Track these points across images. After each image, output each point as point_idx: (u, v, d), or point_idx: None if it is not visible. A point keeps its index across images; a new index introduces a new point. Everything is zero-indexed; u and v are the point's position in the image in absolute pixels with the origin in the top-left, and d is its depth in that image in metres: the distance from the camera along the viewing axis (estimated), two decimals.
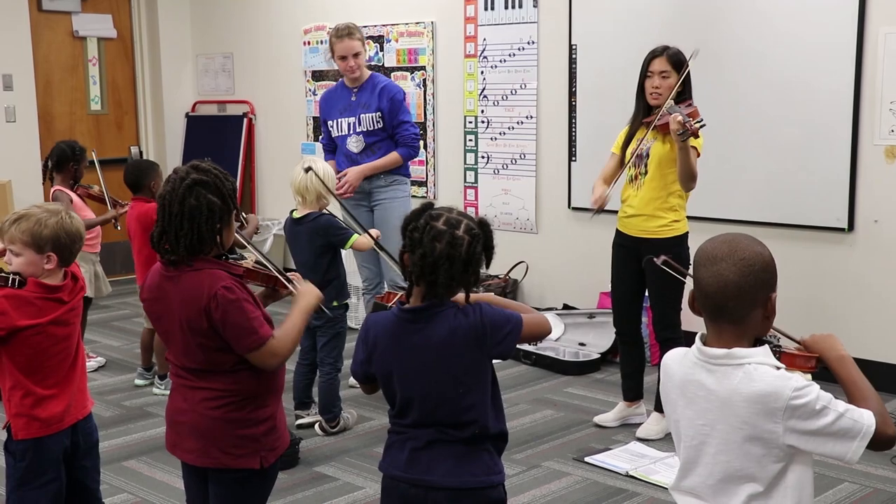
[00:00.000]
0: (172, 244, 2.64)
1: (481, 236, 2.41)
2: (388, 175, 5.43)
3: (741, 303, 2.11)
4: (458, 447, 2.42)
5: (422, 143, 6.93)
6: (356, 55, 5.30)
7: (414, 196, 7.08)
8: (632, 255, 4.60)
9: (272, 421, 2.76)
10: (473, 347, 2.40)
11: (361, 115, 5.38)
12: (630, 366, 4.84)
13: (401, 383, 2.46)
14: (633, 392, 4.83)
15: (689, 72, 4.49)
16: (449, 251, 2.35)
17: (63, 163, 5.71)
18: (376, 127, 5.38)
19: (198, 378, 2.69)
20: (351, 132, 5.41)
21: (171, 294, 2.67)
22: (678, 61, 4.47)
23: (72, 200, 5.59)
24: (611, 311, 5.81)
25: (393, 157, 5.38)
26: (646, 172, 4.50)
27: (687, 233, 4.55)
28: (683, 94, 4.50)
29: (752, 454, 2.10)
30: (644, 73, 4.53)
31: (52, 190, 5.74)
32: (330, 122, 5.48)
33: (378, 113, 5.36)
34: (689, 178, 4.39)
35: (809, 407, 2.03)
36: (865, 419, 2.05)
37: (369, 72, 5.53)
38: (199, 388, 2.69)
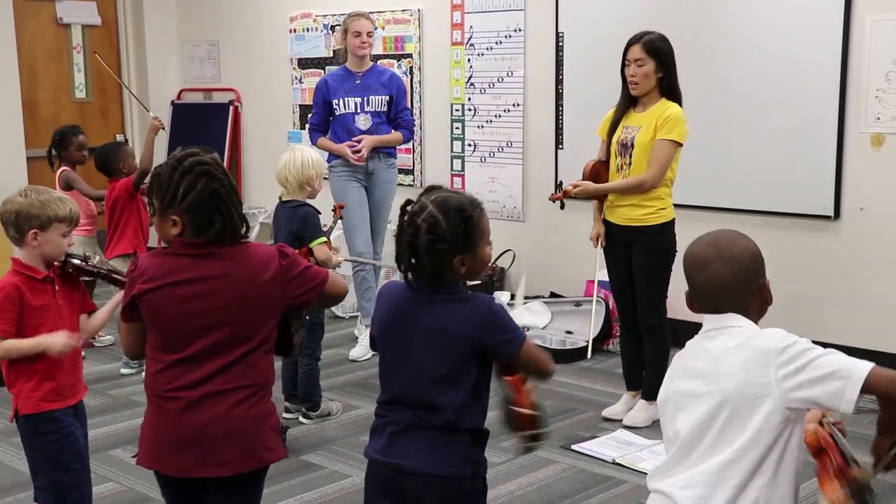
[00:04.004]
0: (232, 229, 2.59)
1: (440, 221, 2.38)
2: (388, 157, 5.94)
3: (739, 297, 2.23)
4: (433, 434, 2.41)
5: None
6: (369, 34, 5.83)
7: (400, 185, 7.08)
8: (621, 242, 4.60)
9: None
10: (466, 338, 2.42)
11: (371, 97, 5.83)
12: (634, 353, 4.76)
13: (390, 348, 2.52)
14: (636, 380, 4.77)
15: (670, 57, 4.43)
16: (409, 240, 2.41)
17: (65, 138, 5.97)
18: (383, 109, 5.86)
19: (226, 378, 2.58)
20: (359, 111, 5.84)
21: (224, 275, 2.58)
22: (654, 49, 4.40)
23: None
24: (598, 299, 5.84)
25: (398, 135, 5.93)
26: (630, 163, 4.49)
27: (673, 219, 4.55)
28: (664, 80, 4.46)
29: (751, 411, 2.12)
30: (623, 61, 4.50)
31: (59, 172, 5.93)
32: (335, 101, 5.86)
33: (387, 97, 5.84)
34: (643, 189, 4.45)
35: (798, 346, 2.11)
36: (858, 362, 2.07)
37: (371, 61, 5.96)
38: (228, 392, 2.58)
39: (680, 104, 4.48)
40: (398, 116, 5.89)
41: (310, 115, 6.09)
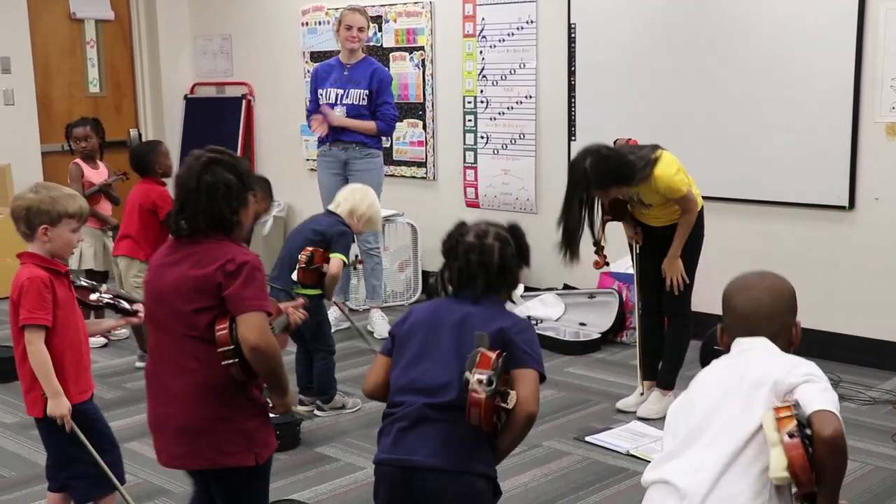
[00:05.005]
0: (191, 219, 2.63)
1: (510, 240, 2.60)
2: (364, 147, 6.08)
3: (772, 323, 2.35)
4: (444, 428, 2.40)
5: (421, 123, 6.98)
6: (360, 29, 6.00)
7: (413, 177, 7.09)
8: (657, 237, 4.58)
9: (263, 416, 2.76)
10: (496, 328, 2.48)
11: (351, 90, 6.04)
12: (652, 343, 4.74)
13: (416, 341, 2.54)
14: (652, 371, 4.75)
15: (617, 167, 4.23)
16: (480, 259, 2.55)
17: (67, 132, 6.12)
18: (361, 103, 6.03)
19: (173, 370, 2.65)
20: (337, 102, 6.06)
21: (177, 267, 2.65)
22: (605, 184, 4.24)
23: (83, 174, 5.95)
24: (610, 290, 5.83)
25: (369, 123, 6.04)
26: (651, 206, 4.50)
27: (702, 206, 4.54)
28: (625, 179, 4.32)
29: (758, 406, 2.19)
30: (591, 198, 4.39)
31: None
32: (320, 91, 6.14)
33: (367, 91, 6.01)
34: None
35: (816, 372, 2.23)
36: (828, 406, 2.13)
37: (363, 54, 6.13)
38: (178, 384, 2.65)
39: (654, 160, 4.32)
40: (377, 109, 6.04)
41: (307, 104, 6.38)
